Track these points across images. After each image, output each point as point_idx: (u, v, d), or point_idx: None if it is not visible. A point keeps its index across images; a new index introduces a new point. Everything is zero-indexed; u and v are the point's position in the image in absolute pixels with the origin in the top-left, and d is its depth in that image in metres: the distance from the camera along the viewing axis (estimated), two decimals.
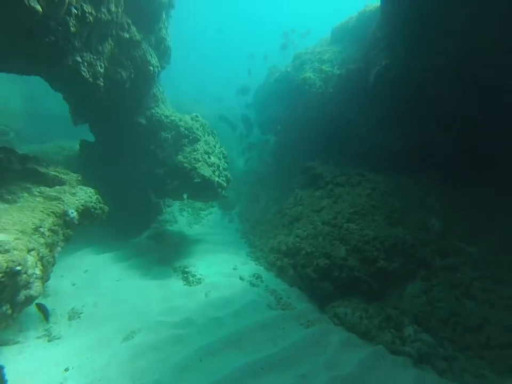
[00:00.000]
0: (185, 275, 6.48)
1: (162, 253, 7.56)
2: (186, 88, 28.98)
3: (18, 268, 2.90)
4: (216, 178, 7.17)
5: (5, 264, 2.75)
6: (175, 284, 6.24)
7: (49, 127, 13.17)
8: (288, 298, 6.01)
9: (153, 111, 7.93)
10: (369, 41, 8.29)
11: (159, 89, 8.31)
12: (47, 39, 3.72)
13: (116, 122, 7.44)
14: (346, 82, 8.90)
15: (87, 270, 6.26)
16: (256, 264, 7.52)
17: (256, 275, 6.78)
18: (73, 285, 5.71)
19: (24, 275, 3.08)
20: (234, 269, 7.03)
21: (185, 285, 6.21)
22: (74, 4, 3.86)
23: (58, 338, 4.37)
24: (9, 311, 2.92)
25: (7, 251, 2.84)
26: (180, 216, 10.12)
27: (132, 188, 7.95)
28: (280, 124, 13.13)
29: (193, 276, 6.42)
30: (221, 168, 7.59)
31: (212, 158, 7.40)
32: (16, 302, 3.04)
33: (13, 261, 2.85)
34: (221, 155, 8.02)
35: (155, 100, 8.10)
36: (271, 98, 11.83)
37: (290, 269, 6.85)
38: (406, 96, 7.00)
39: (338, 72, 9.15)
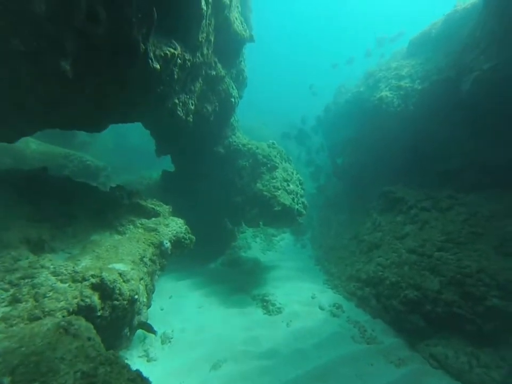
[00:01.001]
0: (264, 304, 6.47)
1: (239, 280, 7.67)
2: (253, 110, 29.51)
3: (136, 296, 3.20)
4: (296, 206, 7.15)
5: (128, 293, 3.05)
6: (255, 312, 6.25)
7: (133, 159, 15.13)
8: (372, 331, 5.72)
9: (231, 140, 8.27)
10: (462, 44, 7.58)
11: (234, 118, 8.62)
12: (158, 90, 4.21)
13: (195, 153, 7.88)
14: (430, 95, 8.29)
15: (171, 296, 6.60)
16: (335, 293, 7.25)
17: (336, 305, 6.56)
18: (162, 309, 6.06)
19: (138, 302, 3.38)
20: (312, 298, 6.84)
21: (265, 313, 6.18)
22: (180, 55, 4.32)
23: (155, 360, 4.64)
24: (128, 333, 3.21)
25: (128, 281, 3.17)
26: (253, 242, 10.30)
27: (208, 214, 8.27)
28: (351, 145, 12.73)
29: (273, 304, 6.38)
30: (298, 195, 7.56)
31: (291, 186, 7.42)
32: (132, 325, 3.34)
33: (133, 290, 3.15)
34: (298, 182, 8.00)
35: (232, 129, 8.43)
36: (341, 120, 11.57)
37: (372, 299, 6.52)
38: None
39: (420, 87, 8.55)
